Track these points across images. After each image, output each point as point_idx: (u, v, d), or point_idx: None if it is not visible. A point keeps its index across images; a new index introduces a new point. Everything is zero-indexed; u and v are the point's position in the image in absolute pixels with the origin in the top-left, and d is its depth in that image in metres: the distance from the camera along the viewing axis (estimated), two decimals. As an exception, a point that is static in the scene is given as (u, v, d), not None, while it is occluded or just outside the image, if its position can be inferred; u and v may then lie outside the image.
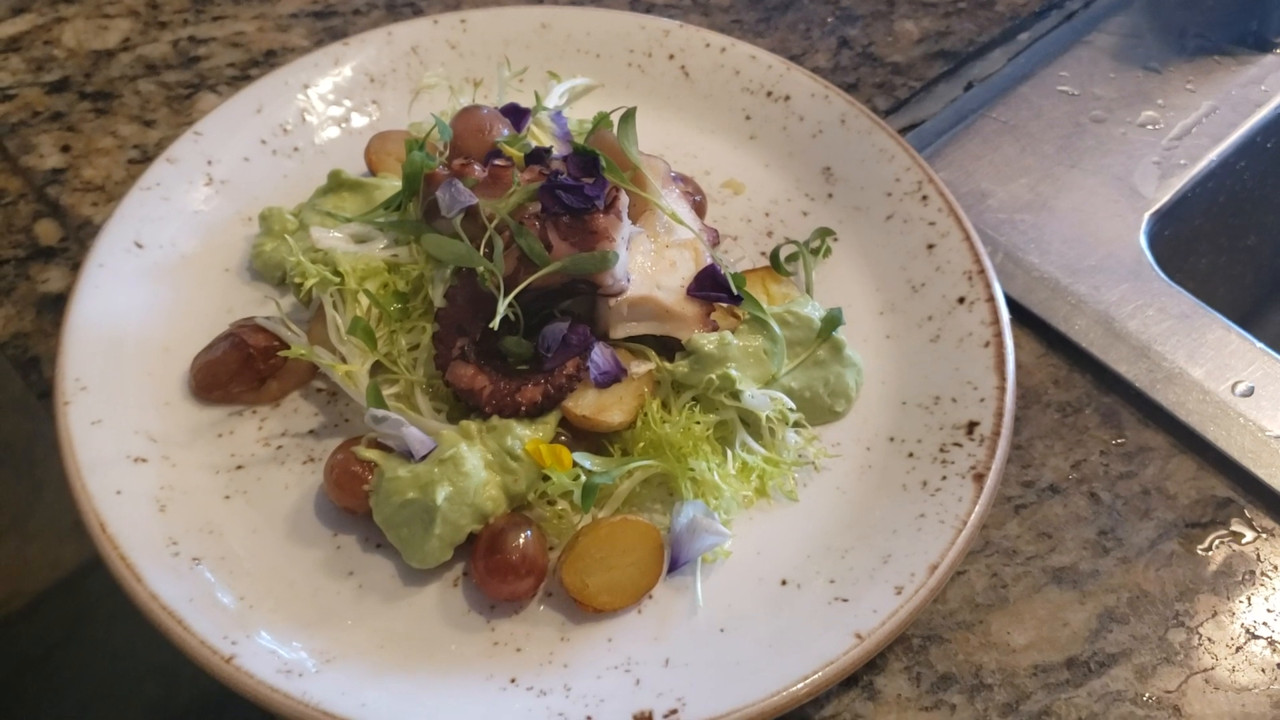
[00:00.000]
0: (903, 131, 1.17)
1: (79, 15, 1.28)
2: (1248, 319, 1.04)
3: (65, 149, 1.16)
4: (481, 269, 0.87)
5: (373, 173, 1.06)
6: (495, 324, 0.84)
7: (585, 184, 0.88)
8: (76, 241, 1.09)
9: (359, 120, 1.14)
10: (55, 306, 1.04)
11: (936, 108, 1.22)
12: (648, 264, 0.92)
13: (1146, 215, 1.11)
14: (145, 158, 1.14)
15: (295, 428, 0.94)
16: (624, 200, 0.88)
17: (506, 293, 0.86)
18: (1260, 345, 1.01)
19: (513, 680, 0.80)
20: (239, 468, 0.91)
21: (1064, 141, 1.16)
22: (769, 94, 1.15)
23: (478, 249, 0.87)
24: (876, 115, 1.10)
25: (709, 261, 0.94)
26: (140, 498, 0.86)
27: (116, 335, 0.95)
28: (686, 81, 1.18)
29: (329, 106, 1.13)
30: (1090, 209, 1.10)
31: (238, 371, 0.92)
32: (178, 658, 0.77)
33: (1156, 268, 1.06)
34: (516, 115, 1.06)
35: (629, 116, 0.92)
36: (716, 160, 1.14)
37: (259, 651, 0.78)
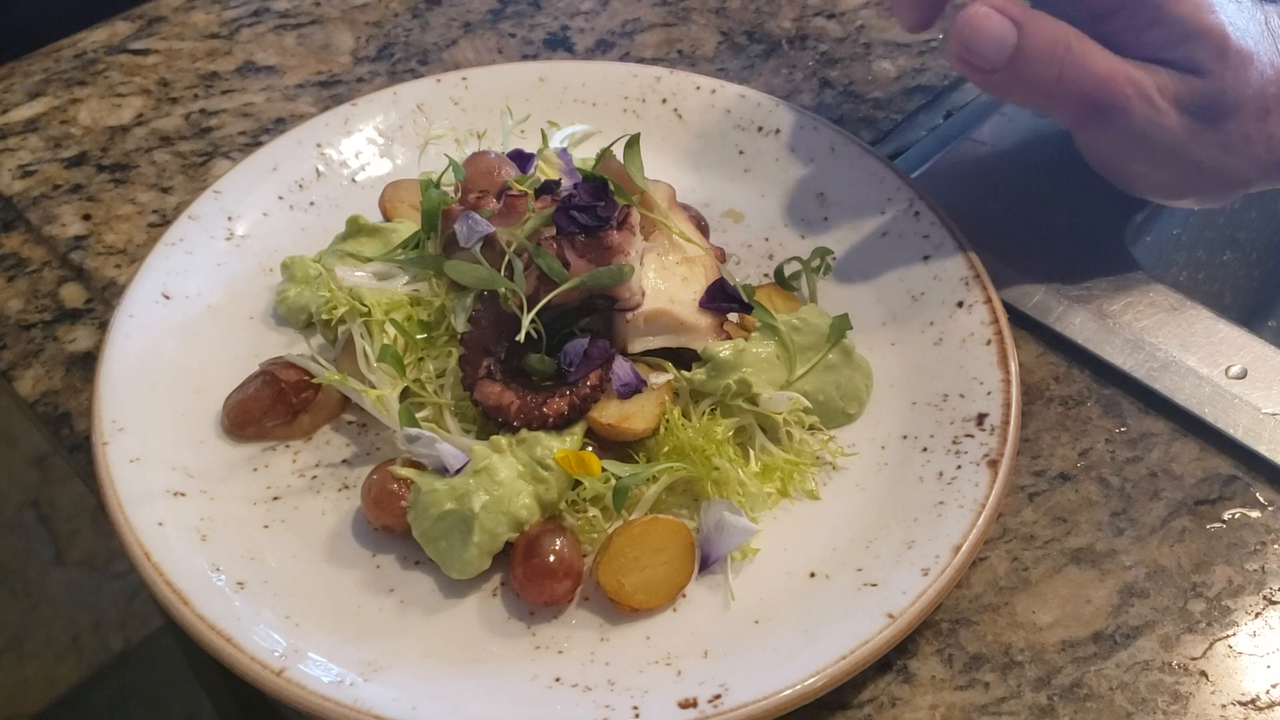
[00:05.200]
0: (889, 158, 1.22)
1: (92, 96, 1.33)
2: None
3: (86, 217, 1.20)
4: (504, 289, 0.91)
5: (388, 219, 1.11)
6: (521, 336, 0.88)
7: (597, 205, 0.92)
8: (102, 302, 1.12)
9: (371, 173, 1.19)
10: (84, 364, 1.07)
11: (919, 135, 1.28)
12: (660, 281, 0.96)
13: (1128, 220, 1.16)
14: (165, 221, 1.18)
15: (328, 458, 0.96)
16: (636, 216, 0.93)
17: (529, 310, 0.89)
18: (1246, 332, 1.05)
19: (557, 679, 0.82)
20: (275, 499, 0.93)
21: (1044, 156, 1.22)
22: (760, 129, 1.21)
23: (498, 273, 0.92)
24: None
25: (718, 275, 0.98)
26: (181, 529, 0.88)
27: (149, 380, 0.98)
28: (680, 123, 1.23)
29: (341, 162, 1.18)
30: (1074, 216, 1.15)
31: (270, 406, 0.95)
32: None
33: (1142, 268, 1.11)
34: (522, 159, 1.11)
35: (634, 142, 0.97)
36: (714, 194, 1.19)
37: (308, 664, 0.80)
